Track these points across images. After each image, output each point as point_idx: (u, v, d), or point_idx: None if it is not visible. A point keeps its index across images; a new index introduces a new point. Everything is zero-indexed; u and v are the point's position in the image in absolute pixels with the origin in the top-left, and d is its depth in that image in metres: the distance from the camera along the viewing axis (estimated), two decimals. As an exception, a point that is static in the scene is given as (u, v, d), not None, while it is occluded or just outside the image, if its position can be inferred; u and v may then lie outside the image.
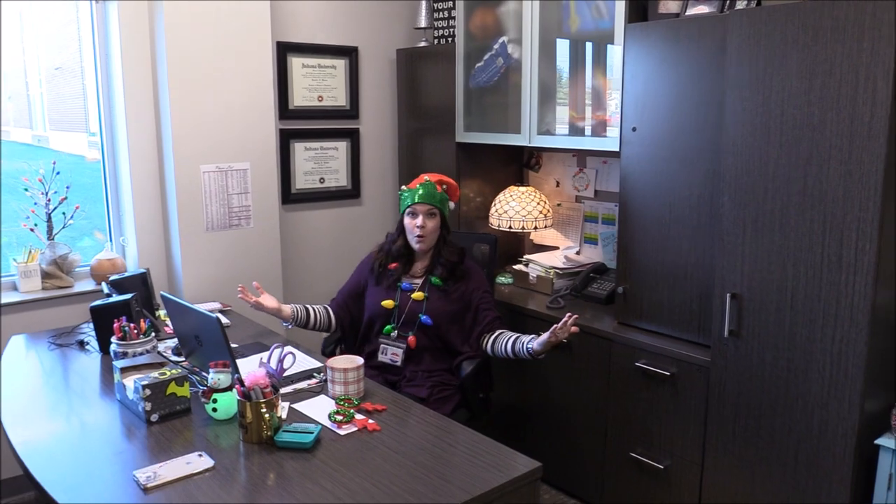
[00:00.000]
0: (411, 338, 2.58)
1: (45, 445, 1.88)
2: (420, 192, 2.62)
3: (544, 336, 2.35)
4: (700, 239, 2.47)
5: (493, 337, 2.57)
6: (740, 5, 2.41)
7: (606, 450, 2.83)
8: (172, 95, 3.03)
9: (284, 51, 3.49)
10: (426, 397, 2.49)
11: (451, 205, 2.72)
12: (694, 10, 2.53)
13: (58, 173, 3.13)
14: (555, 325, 2.31)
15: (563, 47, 3.00)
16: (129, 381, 2.03)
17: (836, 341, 2.10)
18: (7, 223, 3.12)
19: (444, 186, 2.68)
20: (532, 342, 2.40)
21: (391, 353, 2.61)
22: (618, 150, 2.71)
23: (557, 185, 3.56)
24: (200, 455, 1.75)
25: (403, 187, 2.70)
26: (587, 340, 2.81)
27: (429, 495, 1.58)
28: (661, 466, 2.63)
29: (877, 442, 2.12)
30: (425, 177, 2.68)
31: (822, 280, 2.10)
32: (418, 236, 2.62)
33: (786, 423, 2.24)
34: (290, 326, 2.69)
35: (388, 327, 2.63)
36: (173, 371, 2.02)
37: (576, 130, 2.98)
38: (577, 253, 3.42)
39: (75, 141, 3.98)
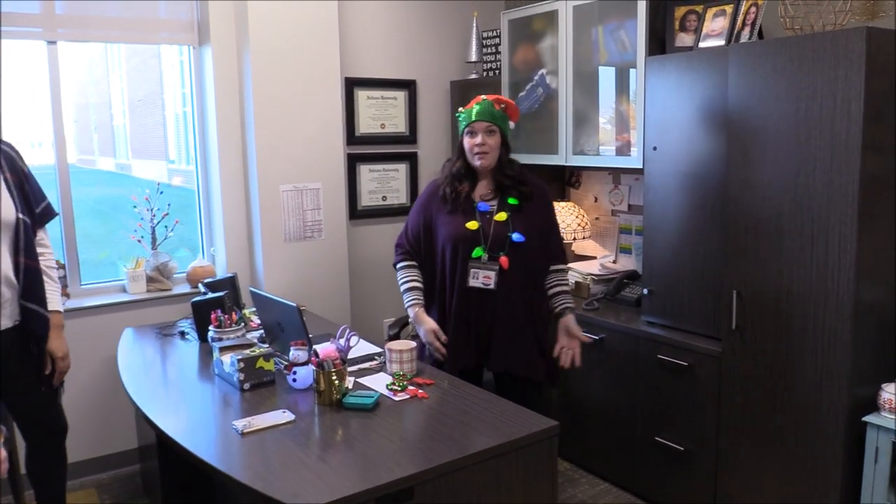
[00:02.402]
0: (503, 258, 2.54)
1: (164, 407, 2.36)
2: (477, 109, 2.58)
3: (562, 340, 2.66)
4: (712, 244, 2.80)
5: (549, 271, 2.69)
6: (744, 39, 2.75)
7: (635, 435, 3.16)
8: (257, 125, 3.55)
9: (352, 85, 3.99)
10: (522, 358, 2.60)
11: (511, 125, 2.66)
12: (705, 43, 2.89)
13: (161, 193, 3.67)
14: (562, 351, 2.65)
15: (593, 77, 3.39)
16: (227, 358, 2.49)
17: (826, 331, 2.40)
18: (116, 237, 3.67)
19: (503, 105, 2.62)
20: (563, 313, 2.66)
21: (483, 277, 2.55)
22: (641, 167, 3.07)
23: (595, 201, 3.93)
24: (284, 412, 2.19)
25: (460, 108, 2.67)
26: (617, 337, 3.16)
27: (462, 441, 1.98)
28: (682, 448, 2.95)
29: (864, 419, 2.40)
30: (482, 96, 2.62)
31: (812, 277, 2.42)
32: (479, 153, 2.56)
33: (786, 406, 2.54)
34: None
35: (478, 249, 2.56)
36: (261, 349, 2.48)
37: (605, 150, 3.35)
38: (614, 261, 3.76)
39: (156, 168, 4.51)
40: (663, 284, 3.03)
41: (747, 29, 2.73)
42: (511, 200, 2.59)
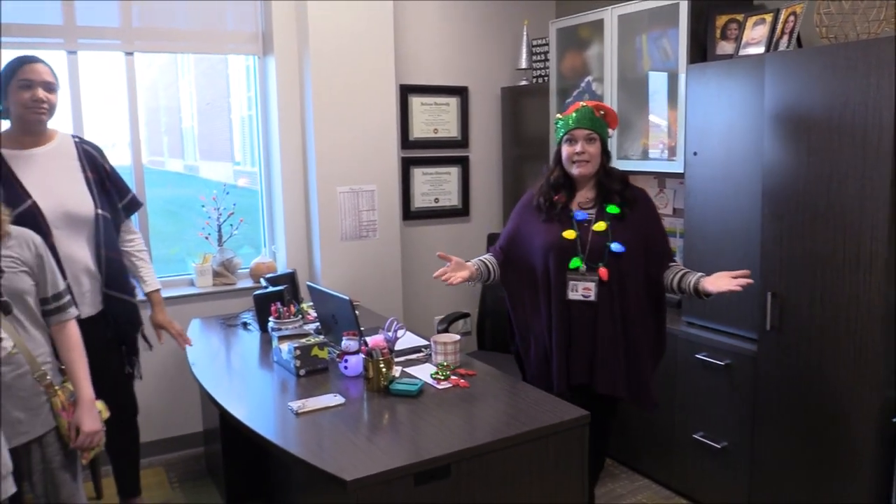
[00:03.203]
0: (602, 269, 2.45)
1: (228, 391, 2.57)
2: (576, 116, 2.50)
3: (719, 283, 2.37)
4: (750, 247, 2.87)
5: (667, 271, 2.55)
6: (782, 47, 2.82)
7: (674, 433, 3.24)
8: (316, 130, 3.76)
9: (406, 92, 4.18)
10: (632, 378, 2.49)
11: (611, 132, 2.60)
12: (746, 51, 2.96)
13: (227, 193, 3.93)
14: (733, 275, 2.36)
15: (637, 84, 3.49)
16: (284, 346, 2.70)
17: (858, 333, 2.46)
18: (185, 234, 3.94)
19: (602, 112, 2.55)
20: (701, 281, 2.42)
21: (582, 289, 2.46)
22: (682, 171, 3.17)
23: (641, 204, 4.01)
24: (335, 396, 2.38)
25: (557, 115, 2.61)
26: (657, 336, 3.25)
27: (497, 426, 2.13)
28: (719, 446, 3.02)
29: (895, 420, 2.45)
30: (581, 103, 2.57)
31: (845, 280, 2.48)
32: (579, 161, 2.48)
33: (819, 406, 2.61)
34: (471, 284, 2.68)
35: (575, 260, 2.46)
36: (316, 339, 2.68)
37: (647, 155, 3.45)
38: (658, 264, 3.84)
39: (222, 170, 4.77)
40: (703, 286, 3.11)
41: (786, 37, 2.81)
42: (611, 209, 2.49)
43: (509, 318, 2.72)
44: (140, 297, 2.91)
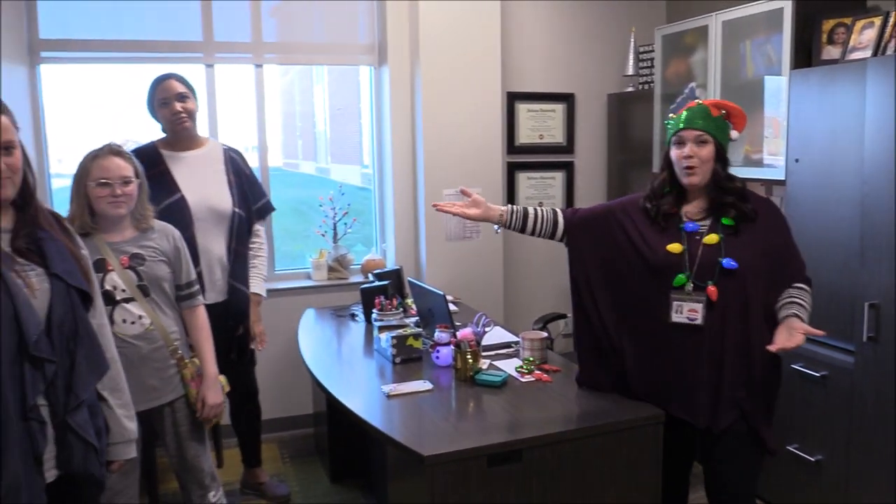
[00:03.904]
0: (711, 287, 2.14)
1: (332, 374, 2.82)
2: (686, 115, 2.21)
3: (779, 339, 2.04)
4: (850, 256, 2.80)
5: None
6: (890, 51, 2.75)
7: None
8: (425, 135, 3.98)
9: (513, 99, 4.32)
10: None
11: (734, 134, 2.24)
12: (852, 56, 2.90)
13: (343, 194, 4.22)
14: (804, 329, 2.04)
15: (740, 90, 3.46)
16: (384, 335, 2.92)
17: (960, 346, 2.37)
18: (305, 231, 4.27)
19: (723, 111, 2.22)
20: (785, 317, 2.09)
21: (688, 311, 2.16)
22: (784, 178, 3.13)
23: (748, 211, 3.95)
24: (425, 382, 2.56)
25: (671, 115, 2.34)
26: (753, 344, 3.22)
27: (571, 418, 2.24)
28: (813, 460, 2.96)
29: None
30: (697, 100, 2.29)
31: (947, 292, 2.40)
32: (687, 168, 2.17)
33: (917, 420, 2.53)
34: (498, 230, 2.53)
35: (680, 277, 2.17)
36: (412, 330, 2.88)
37: (750, 161, 3.41)
38: (763, 272, 3.78)
39: (351, 172, 5.07)
40: (802, 295, 3.06)
41: (894, 41, 2.73)
42: (726, 221, 2.18)
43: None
44: None
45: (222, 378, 2.56)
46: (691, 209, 2.26)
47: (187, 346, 2.51)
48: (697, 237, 2.19)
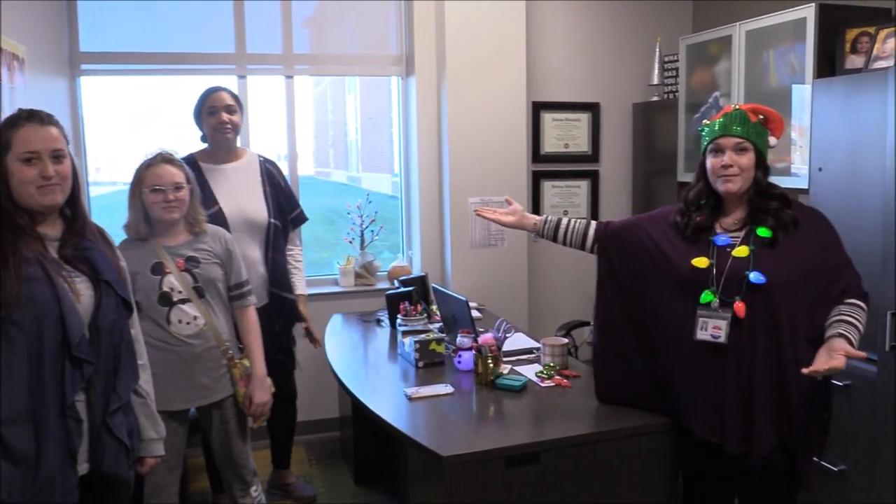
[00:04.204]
0: (738, 303, 2.01)
1: (357, 377, 2.89)
2: (722, 121, 2.08)
3: (819, 361, 1.89)
4: (873, 265, 2.80)
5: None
6: (914, 62, 2.75)
7: (791, 451, 3.19)
8: (450, 144, 4.05)
9: (538, 108, 4.37)
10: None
11: (773, 140, 2.14)
12: (876, 65, 2.90)
13: (370, 202, 4.30)
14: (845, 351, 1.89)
15: (763, 99, 3.47)
16: (407, 340, 2.98)
17: (983, 356, 2.36)
18: (334, 238, 4.35)
19: (761, 117, 2.10)
20: (829, 337, 1.94)
21: (712, 328, 2.04)
22: (807, 187, 3.13)
23: (773, 220, 3.95)
24: (446, 386, 2.62)
25: (704, 121, 2.20)
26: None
27: (589, 423, 2.28)
28: (837, 469, 2.95)
29: None
30: (734, 105, 2.15)
31: (969, 301, 2.39)
32: (726, 176, 2.05)
33: (940, 430, 2.51)
34: (535, 239, 2.59)
35: (707, 294, 2.06)
36: (434, 335, 2.94)
37: (775, 170, 3.40)
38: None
39: (382, 180, 5.15)
40: (825, 304, 3.06)
41: (917, 51, 2.73)
42: (761, 231, 2.05)
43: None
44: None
45: (268, 380, 2.64)
46: (728, 221, 2.14)
47: (237, 346, 2.61)
48: (728, 250, 2.07)
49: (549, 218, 2.48)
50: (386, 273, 4.31)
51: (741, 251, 2.04)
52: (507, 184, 4.16)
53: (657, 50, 4.30)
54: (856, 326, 1.97)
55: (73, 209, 1.85)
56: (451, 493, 2.05)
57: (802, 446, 2.06)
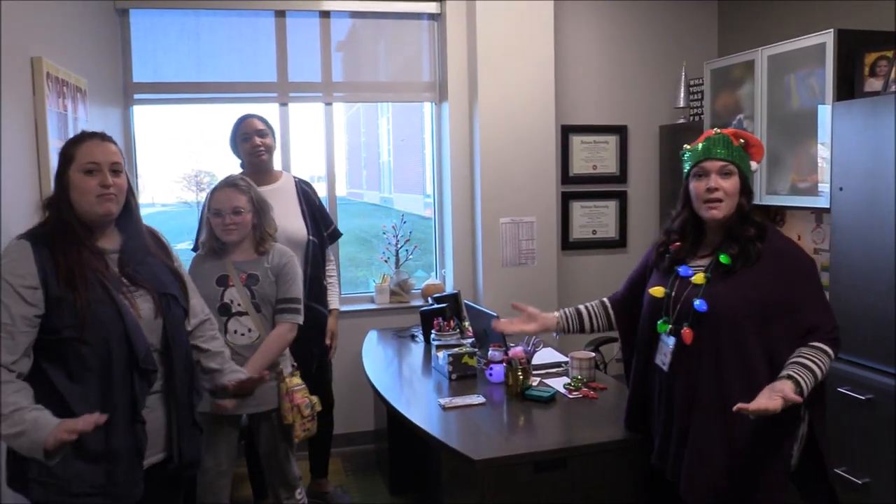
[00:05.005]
0: (685, 330, 2.01)
1: (394, 389, 3.05)
2: (706, 144, 2.06)
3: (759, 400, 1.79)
4: (892, 281, 2.88)
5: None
6: (930, 85, 2.84)
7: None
8: (482, 167, 4.21)
9: (567, 132, 4.52)
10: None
11: (754, 165, 2.10)
12: (894, 88, 3.00)
13: (405, 222, 4.48)
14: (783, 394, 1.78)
15: (785, 121, 3.58)
16: (441, 354, 3.12)
17: None
18: (368, 258, 4.52)
19: (742, 141, 2.08)
20: (781, 378, 1.86)
21: (662, 355, 2.10)
22: (829, 206, 3.22)
23: (799, 239, 4.04)
24: (478, 396, 2.75)
25: (685, 146, 2.19)
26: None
27: (617, 431, 2.39)
28: (860, 482, 3.01)
29: None
30: (715, 129, 2.11)
31: None
32: (709, 201, 2.00)
33: (961, 442, 2.57)
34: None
35: (660, 323, 2.11)
36: (467, 349, 3.08)
37: (796, 190, 3.51)
38: (814, 298, 3.84)
39: (414, 202, 5.30)
40: (848, 320, 3.12)
41: (933, 75, 2.82)
42: (723, 258, 2.02)
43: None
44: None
45: (314, 398, 2.77)
46: (706, 248, 2.11)
47: (289, 363, 2.76)
48: (689, 279, 2.07)
49: (567, 312, 2.44)
50: (420, 291, 4.46)
51: (698, 279, 2.04)
52: (537, 204, 4.30)
53: (683, 74, 4.43)
54: (811, 371, 1.88)
55: (128, 219, 1.99)
56: (483, 494, 2.18)
57: (752, 494, 1.94)
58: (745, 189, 2.05)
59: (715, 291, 2.00)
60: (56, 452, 1.70)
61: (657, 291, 2.12)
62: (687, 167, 2.13)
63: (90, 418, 1.69)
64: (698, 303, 1.99)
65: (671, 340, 2.05)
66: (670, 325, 2.06)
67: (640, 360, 2.25)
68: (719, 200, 2.00)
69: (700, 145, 2.09)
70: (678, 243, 2.15)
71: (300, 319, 2.74)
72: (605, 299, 2.44)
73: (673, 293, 2.08)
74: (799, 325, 1.96)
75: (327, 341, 3.45)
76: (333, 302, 3.50)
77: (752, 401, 1.78)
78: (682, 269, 2.10)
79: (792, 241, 2.16)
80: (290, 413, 2.67)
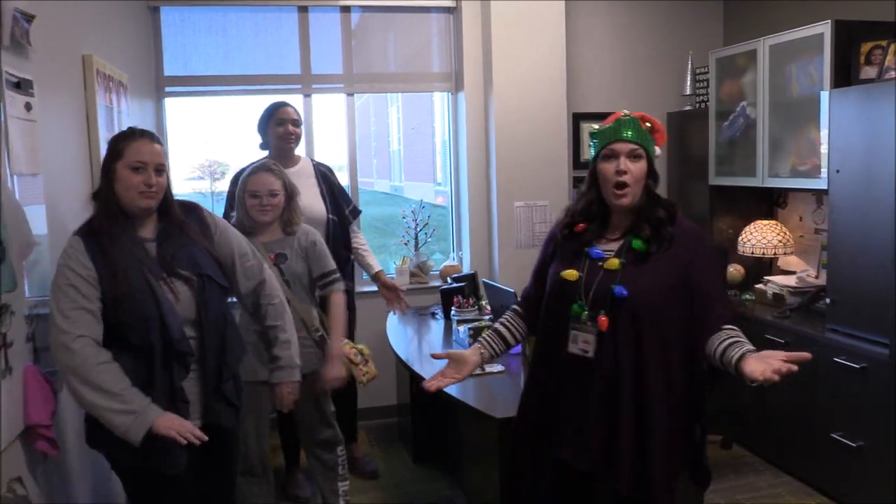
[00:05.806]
0: (602, 317, 1.94)
1: (417, 361, 3.26)
2: (615, 126, 2.01)
3: (759, 367, 1.71)
4: (886, 258, 3.06)
5: (713, 336, 1.91)
6: (920, 72, 3.02)
7: (814, 432, 3.45)
8: (497, 154, 4.41)
9: (578, 119, 4.71)
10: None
11: (658, 150, 2.07)
12: (888, 76, 3.18)
13: (423, 207, 4.69)
14: (783, 356, 1.72)
15: (786, 108, 3.77)
16: (461, 328, 3.34)
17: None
18: (383, 245, 4.74)
19: (649, 125, 2.04)
20: (745, 360, 1.77)
21: (581, 342, 1.99)
22: (826, 188, 3.41)
23: (800, 220, 4.22)
24: (498, 365, 2.97)
25: (594, 127, 2.12)
26: (800, 341, 3.48)
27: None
28: (855, 445, 3.21)
29: None
30: (624, 111, 2.06)
31: (969, 287, 2.65)
32: (618, 184, 1.95)
33: (946, 405, 2.77)
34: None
35: (575, 306, 2.00)
36: (486, 322, 3.30)
37: (797, 173, 3.70)
38: (815, 276, 4.03)
39: (424, 190, 5.48)
40: (845, 294, 3.33)
41: (923, 63, 3.00)
42: (635, 244, 1.98)
43: None
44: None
45: (360, 345, 3.06)
46: (613, 232, 2.05)
47: (326, 331, 2.96)
48: (600, 263, 2.00)
49: (487, 339, 2.25)
50: (438, 272, 4.68)
51: (612, 264, 1.98)
52: (550, 189, 4.50)
53: (689, 63, 4.61)
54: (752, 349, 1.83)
55: (166, 212, 2.14)
56: (502, 450, 2.40)
57: (664, 476, 1.94)
58: (652, 172, 2.02)
59: (633, 277, 1.95)
60: (150, 438, 1.87)
61: (570, 274, 2.02)
62: (596, 149, 2.06)
63: (198, 433, 1.90)
64: (618, 288, 1.94)
65: (591, 327, 1.96)
66: (586, 311, 1.98)
67: (547, 347, 2.11)
68: (627, 185, 1.96)
69: (609, 126, 2.03)
70: (582, 225, 2.07)
71: (343, 284, 2.99)
72: (514, 307, 2.31)
73: (584, 276, 2.01)
74: (710, 312, 1.94)
75: (389, 292, 3.67)
76: (375, 265, 3.71)
77: (762, 371, 1.69)
78: (593, 252, 2.02)
79: (695, 225, 2.10)
80: (345, 366, 2.88)
